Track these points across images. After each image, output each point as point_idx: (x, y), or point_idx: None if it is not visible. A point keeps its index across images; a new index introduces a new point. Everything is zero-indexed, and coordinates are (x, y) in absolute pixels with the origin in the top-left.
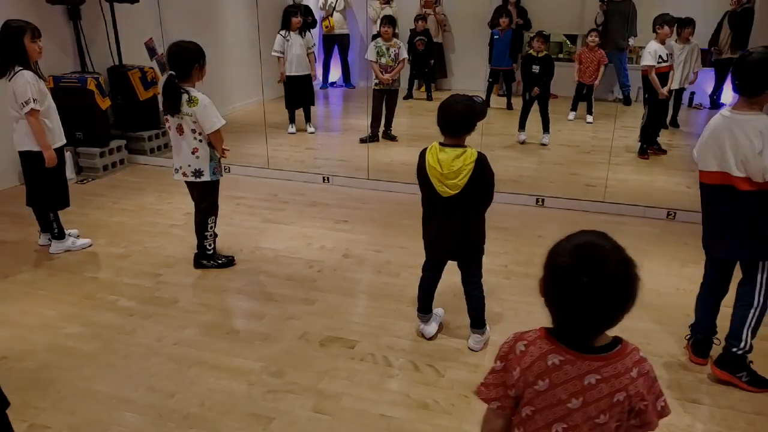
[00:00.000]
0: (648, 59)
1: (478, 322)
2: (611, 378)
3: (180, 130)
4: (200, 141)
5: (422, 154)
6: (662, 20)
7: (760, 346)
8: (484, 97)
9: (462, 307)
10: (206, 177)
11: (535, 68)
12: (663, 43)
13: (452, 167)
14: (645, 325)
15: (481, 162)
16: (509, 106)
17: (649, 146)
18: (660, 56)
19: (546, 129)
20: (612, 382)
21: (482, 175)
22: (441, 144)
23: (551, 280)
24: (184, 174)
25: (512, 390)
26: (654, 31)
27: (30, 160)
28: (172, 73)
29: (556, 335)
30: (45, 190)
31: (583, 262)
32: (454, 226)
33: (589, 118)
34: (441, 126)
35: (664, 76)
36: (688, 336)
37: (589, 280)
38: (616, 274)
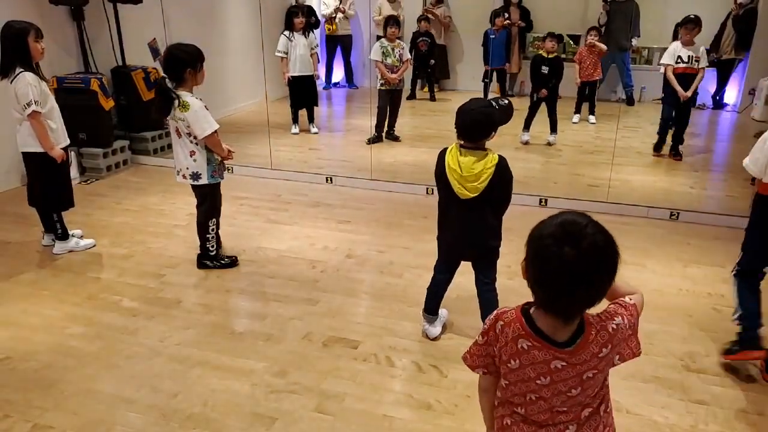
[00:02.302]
0: (664, 57)
1: None
2: (577, 365)
3: (178, 133)
4: (197, 144)
5: (441, 155)
6: (684, 22)
7: None
8: (507, 101)
9: (465, 307)
10: (204, 180)
11: (545, 69)
12: (686, 45)
13: (473, 170)
14: (648, 326)
15: (502, 166)
16: None
17: (670, 151)
18: (679, 57)
19: (554, 129)
20: (578, 368)
21: (502, 179)
22: (461, 146)
23: (535, 256)
24: (184, 176)
25: (496, 359)
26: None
27: (34, 161)
28: (164, 76)
29: (530, 321)
30: (50, 191)
31: (565, 235)
32: (471, 227)
33: (592, 119)
34: (457, 131)
35: (680, 78)
36: (733, 345)
37: (571, 250)
38: (596, 243)
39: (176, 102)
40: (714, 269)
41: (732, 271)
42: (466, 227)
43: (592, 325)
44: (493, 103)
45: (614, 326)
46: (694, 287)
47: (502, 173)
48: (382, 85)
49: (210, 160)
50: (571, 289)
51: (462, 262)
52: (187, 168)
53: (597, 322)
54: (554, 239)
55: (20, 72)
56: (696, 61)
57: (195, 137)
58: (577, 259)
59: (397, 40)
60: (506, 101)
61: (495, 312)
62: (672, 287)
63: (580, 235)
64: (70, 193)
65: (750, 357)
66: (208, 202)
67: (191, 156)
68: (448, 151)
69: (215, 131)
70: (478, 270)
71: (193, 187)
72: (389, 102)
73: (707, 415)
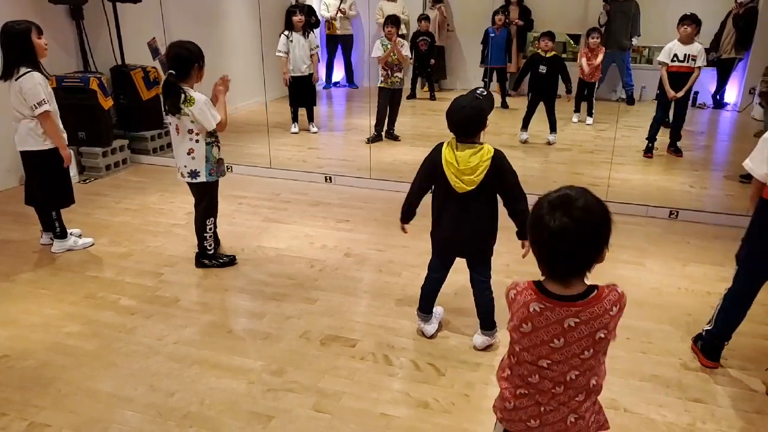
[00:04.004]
0: (660, 55)
1: (487, 323)
2: (590, 320)
3: (177, 130)
4: (196, 141)
5: (437, 149)
6: (679, 19)
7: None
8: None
9: (462, 305)
10: (202, 178)
11: (543, 69)
12: (684, 42)
13: (469, 163)
14: (646, 324)
15: (499, 159)
16: (504, 105)
17: (668, 148)
18: (675, 55)
19: (553, 128)
20: (591, 324)
21: (502, 173)
22: (457, 141)
23: (533, 225)
24: (182, 174)
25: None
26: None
27: (32, 160)
28: (172, 72)
29: (540, 286)
30: (48, 189)
31: (558, 203)
32: (467, 222)
33: (589, 120)
34: (452, 131)
35: (674, 76)
36: (696, 338)
37: (562, 216)
38: (585, 207)
39: (182, 97)
40: (713, 268)
41: (725, 290)
42: (462, 222)
43: (603, 286)
44: (477, 96)
45: (620, 291)
46: (693, 286)
47: (499, 166)
48: (381, 83)
49: (208, 158)
50: (565, 251)
51: (457, 260)
52: (185, 166)
53: (606, 285)
54: (549, 208)
55: (27, 72)
56: (692, 59)
57: (198, 133)
58: (568, 223)
59: (398, 39)
60: (485, 92)
61: (509, 285)
62: (671, 286)
63: (571, 202)
64: (70, 190)
65: (702, 362)
66: (206, 201)
67: (189, 154)
68: (444, 145)
69: (221, 121)
70: (472, 268)
71: (191, 185)
72: (389, 101)
73: (705, 413)
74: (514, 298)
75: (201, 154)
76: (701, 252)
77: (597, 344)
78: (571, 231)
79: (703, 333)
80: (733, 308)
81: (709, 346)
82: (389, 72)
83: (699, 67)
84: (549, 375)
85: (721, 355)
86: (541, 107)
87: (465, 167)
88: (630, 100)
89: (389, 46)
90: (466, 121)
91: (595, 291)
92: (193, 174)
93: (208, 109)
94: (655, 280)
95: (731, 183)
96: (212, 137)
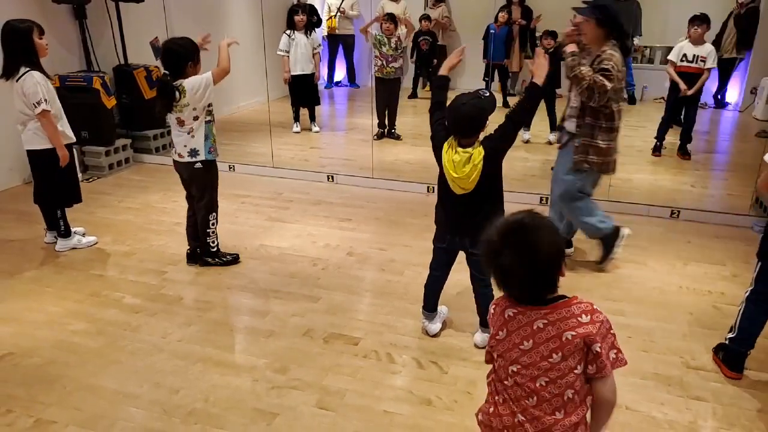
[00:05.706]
0: (671, 54)
1: (487, 321)
2: (557, 321)
3: (180, 123)
4: (195, 119)
5: (440, 138)
6: (690, 20)
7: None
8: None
9: (465, 304)
10: (202, 156)
11: None
12: (694, 43)
13: (463, 171)
14: (648, 323)
15: (490, 149)
16: (506, 104)
17: (678, 150)
18: (684, 55)
19: (553, 128)
20: (558, 324)
21: (494, 160)
22: (457, 144)
23: (486, 259)
24: (180, 155)
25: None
26: None
27: (38, 159)
28: (166, 72)
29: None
30: (54, 188)
31: (511, 234)
32: (465, 218)
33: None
34: (451, 130)
35: (682, 77)
36: (717, 349)
37: (514, 251)
38: (537, 242)
39: (177, 94)
40: (714, 267)
41: (746, 292)
42: (460, 218)
43: (580, 300)
44: (480, 95)
45: (598, 309)
46: (694, 285)
47: (492, 158)
48: (377, 71)
49: (207, 136)
50: (516, 286)
51: (459, 260)
52: (185, 146)
53: (585, 301)
54: (500, 240)
55: (27, 71)
56: (702, 60)
57: (198, 114)
58: (515, 263)
59: (396, 33)
60: (488, 93)
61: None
62: (672, 285)
63: (524, 234)
64: (76, 188)
65: (726, 373)
66: (208, 194)
67: (189, 133)
68: (445, 146)
69: (213, 78)
70: (472, 266)
71: (192, 174)
72: (386, 94)
73: (706, 411)
74: (493, 312)
75: (201, 133)
76: (702, 251)
77: (565, 347)
78: (519, 271)
79: (726, 341)
80: (756, 311)
81: (732, 356)
82: (385, 62)
83: (708, 69)
84: (519, 381)
85: (744, 365)
86: (541, 107)
87: (461, 174)
88: (631, 100)
89: (384, 40)
90: (466, 119)
91: (565, 299)
92: (193, 152)
93: (198, 82)
94: (656, 278)
95: (732, 183)
96: (210, 116)
